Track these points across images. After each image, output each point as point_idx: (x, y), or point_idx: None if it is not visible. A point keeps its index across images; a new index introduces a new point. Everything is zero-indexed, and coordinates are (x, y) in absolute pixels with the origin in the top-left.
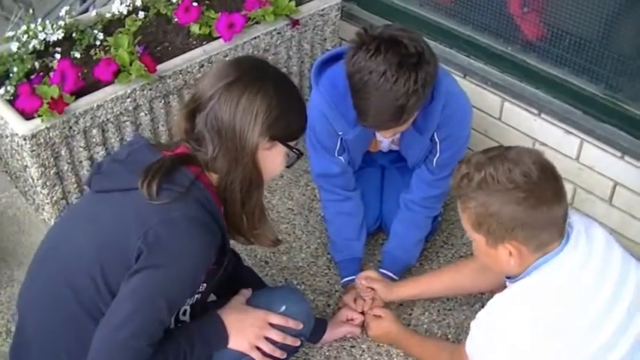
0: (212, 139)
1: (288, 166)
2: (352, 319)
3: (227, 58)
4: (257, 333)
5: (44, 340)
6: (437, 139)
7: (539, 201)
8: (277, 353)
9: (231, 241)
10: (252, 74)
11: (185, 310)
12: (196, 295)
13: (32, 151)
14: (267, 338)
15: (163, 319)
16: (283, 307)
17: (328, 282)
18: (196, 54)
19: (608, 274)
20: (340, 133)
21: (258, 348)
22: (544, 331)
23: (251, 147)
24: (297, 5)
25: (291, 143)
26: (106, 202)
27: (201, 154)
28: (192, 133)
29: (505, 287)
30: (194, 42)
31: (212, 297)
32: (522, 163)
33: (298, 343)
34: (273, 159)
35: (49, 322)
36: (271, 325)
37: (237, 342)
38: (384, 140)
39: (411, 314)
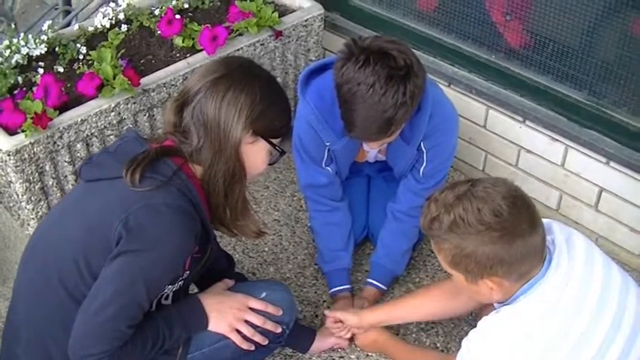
0: (197, 131)
1: (270, 164)
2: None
3: None
4: (236, 315)
5: (32, 326)
6: (424, 149)
7: (515, 236)
8: (257, 338)
9: (230, 250)
10: (240, 71)
11: (167, 296)
12: (179, 282)
13: (16, 166)
14: (247, 322)
15: (142, 302)
16: (264, 294)
17: (316, 292)
18: (180, 67)
19: (590, 290)
20: (328, 143)
21: (238, 331)
22: (532, 356)
23: (234, 140)
24: (280, 16)
25: (275, 141)
26: (94, 191)
27: (187, 146)
28: (180, 127)
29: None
30: (177, 55)
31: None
32: (491, 200)
33: (279, 330)
34: (255, 154)
35: (36, 307)
36: (252, 309)
37: (216, 324)
38: (371, 151)
39: (399, 323)
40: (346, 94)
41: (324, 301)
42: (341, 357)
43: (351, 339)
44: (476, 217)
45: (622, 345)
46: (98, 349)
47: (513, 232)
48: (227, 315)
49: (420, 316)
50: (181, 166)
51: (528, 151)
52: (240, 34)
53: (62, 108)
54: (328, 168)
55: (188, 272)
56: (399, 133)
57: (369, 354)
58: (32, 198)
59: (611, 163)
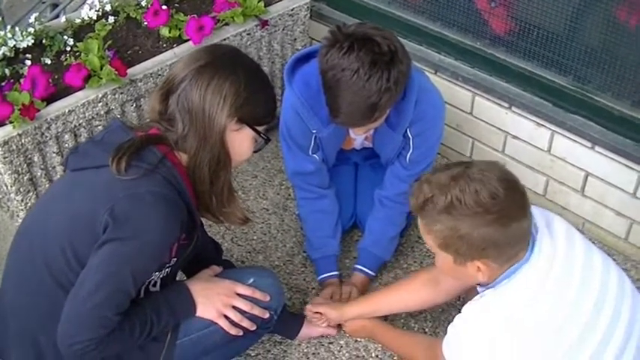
0: (182, 118)
1: (255, 151)
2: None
3: None
4: (224, 301)
5: (20, 315)
6: (410, 135)
7: (509, 219)
8: (245, 323)
9: (219, 238)
10: (224, 59)
11: (155, 283)
12: (166, 269)
13: (5, 157)
14: (235, 308)
15: (129, 290)
16: (251, 280)
17: (304, 280)
18: (167, 57)
19: (573, 273)
20: (314, 131)
21: (226, 317)
22: (517, 340)
23: (219, 127)
24: (266, 6)
25: (260, 129)
26: (80, 180)
27: (172, 134)
28: (165, 114)
29: (473, 291)
30: (164, 45)
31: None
32: (488, 183)
33: (267, 315)
34: (240, 141)
35: (24, 296)
36: (239, 295)
37: (204, 310)
38: (358, 138)
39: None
40: (331, 81)
41: (313, 289)
42: (330, 343)
43: (340, 325)
44: (474, 198)
45: (604, 328)
46: (85, 336)
47: (508, 215)
48: (215, 301)
49: (400, 308)
50: (166, 153)
51: (514, 137)
52: (227, 24)
53: (50, 99)
54: (315, 155)
55: (175, 259)
56: (384, 119)
57: (358, 339)
58: (21, 189)
59: (597, 148)
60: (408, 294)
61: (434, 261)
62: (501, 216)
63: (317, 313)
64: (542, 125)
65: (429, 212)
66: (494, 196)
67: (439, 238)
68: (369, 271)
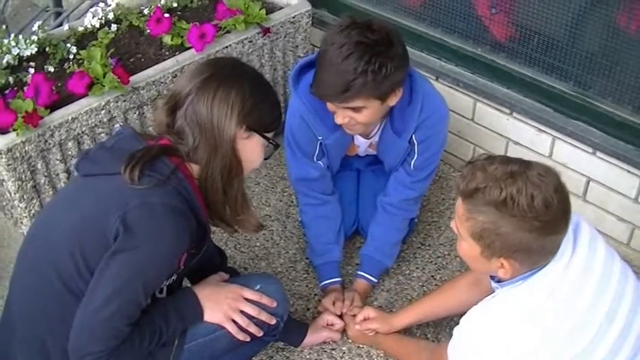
0: (192, 131)
1: (266, 158)
2: (332, 325)
3: None
4: (232, 305)
5: (28, 319)
6: (415, 141)
7: (551, 231)
8: (252, 328)
9: (222, 245)
10: (226, 70)
11: (162, 290)
12: (172, 277)
13: (8, 165)
14: (242, 313)
15: (140, 300)
16: (258, 286)
17: (307, 286)
18: (169, 64)
19: (588, 282)
20: (320, 137)
21: (233, 322)
22: (525, 346)
23: (229, 136)
24: (267, 13)
25: (267, 135)
26: (91, 185)
27: (183, 146)
28: (173, 128)
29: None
30: (166, 53)
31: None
32: (545, 190)
33: (274, 322)
34: (251, 149)
35: (32, 301)
36: (247, 300)
37: (211, 314)
38: (362, 144)
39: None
40: (320, 54)
41: (316, 295)
42: (332, 349)
43: (343, 330)
44: (527, 202)
45: (614, 339)
46: (97, 348)
47: (552, 226)
48: (222, 304)
49: (448, 312)
50: (178, 165)
51: (516, 143)
52: (229, 32)
53: (53, 107)
54: (320, 162)
55: (182, 268)
56: (365, 115)
57: (361, 345)
58: (24, 196)
59: (598, 153)
60: (456, 298)
61: (437, 267)
62: (546, 226)
63: (364, 321)
64: (544, 131)
65: (476, 200)
66: (548, 205)
67: (476, 228)
68: (371, 278)
